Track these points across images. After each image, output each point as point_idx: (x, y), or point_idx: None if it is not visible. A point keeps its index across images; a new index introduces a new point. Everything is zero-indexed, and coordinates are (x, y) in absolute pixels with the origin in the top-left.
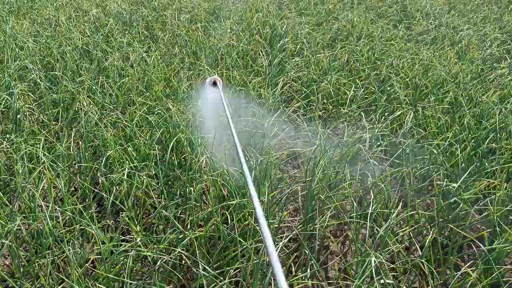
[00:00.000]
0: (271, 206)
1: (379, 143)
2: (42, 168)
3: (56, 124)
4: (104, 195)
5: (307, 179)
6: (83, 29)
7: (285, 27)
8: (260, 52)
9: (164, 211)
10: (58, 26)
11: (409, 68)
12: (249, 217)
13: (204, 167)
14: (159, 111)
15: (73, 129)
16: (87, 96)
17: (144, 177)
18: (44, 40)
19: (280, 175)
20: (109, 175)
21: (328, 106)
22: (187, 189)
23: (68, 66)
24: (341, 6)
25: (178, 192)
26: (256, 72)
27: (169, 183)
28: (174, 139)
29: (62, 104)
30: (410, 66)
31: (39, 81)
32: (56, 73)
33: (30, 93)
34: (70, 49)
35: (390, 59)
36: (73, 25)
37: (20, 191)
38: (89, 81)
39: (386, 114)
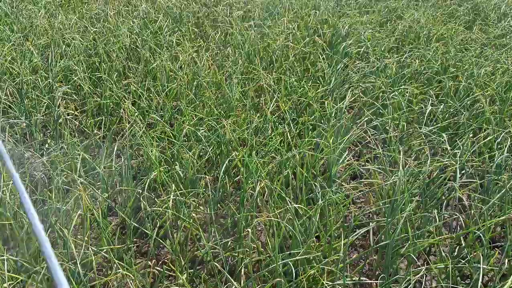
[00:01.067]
0: (344, 256)
1: (463, 171)
2: (78, 191)
3: (98, 133)
4: (147, 232)
5: (387, 224)
6: (131, 25)
7: (346, 27)
8: (320, 56)
9: (215, 263)
10: (107, 21)
11: (492, 79)
12: (319, 273)
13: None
14: (210, 122)
15: (116, 142)
16: (132, 103)
17: (193, 212)
18: (91, 36)
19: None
20: (151, 208)
21: (401, 123)
22: (241, 226)
23: (114, 67)
24: (405, 4)
25: (229, 222)
26: (316, 79)
27: (220, 209)
28: (227, 160)
29: (105, 111)
30: (492, 76)
31: (82, 83)
32: (100, 74)
33: (74, 95)
34: (116, 48)
35: (468, 67)
36: (121, 21)
37: (52, 221)
38: (134, 85)
39: (471, 135)
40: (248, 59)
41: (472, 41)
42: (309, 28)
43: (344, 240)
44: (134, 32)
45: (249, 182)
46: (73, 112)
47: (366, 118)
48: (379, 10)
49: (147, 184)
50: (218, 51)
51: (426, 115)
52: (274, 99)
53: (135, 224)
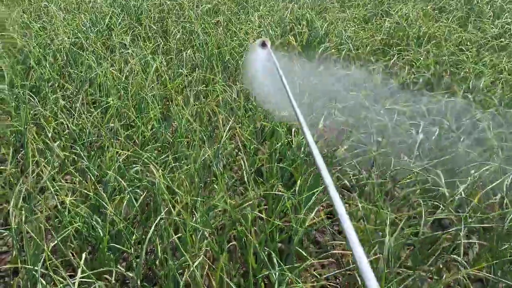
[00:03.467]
0: None
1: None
2: None
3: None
4: None
5: None
6: (78, 22)
7: (326, 25)
8: (294, 60)
9: None
10: (54, 17)
11: (492, 90)
12: None
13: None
14: (146, 159)
15: (18, 186)
16: (61, 123)
17: None
18: (33, 34)
19: None
20: None
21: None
22: None
23: (46, 76)
24: None
25: None
26: None
27: None
28: (158, 219)
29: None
30: (491, 87)
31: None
32: (23, 83)
33: None
34: (51, 51)
35: (464, 75)
36: (70, 17)
37: None
38: (62, 101)
39: (473, 171)
40: (209, 65)
41: (468, 41)
42: (285, 24)
43: None
44: (82, 30)
45: (185, 256)
46: None
47: (344, 154)
48: (364, 3)
49: (42, 260)
50: (173, 56)
51: (417, 144)
52: (229, 124)
53: None
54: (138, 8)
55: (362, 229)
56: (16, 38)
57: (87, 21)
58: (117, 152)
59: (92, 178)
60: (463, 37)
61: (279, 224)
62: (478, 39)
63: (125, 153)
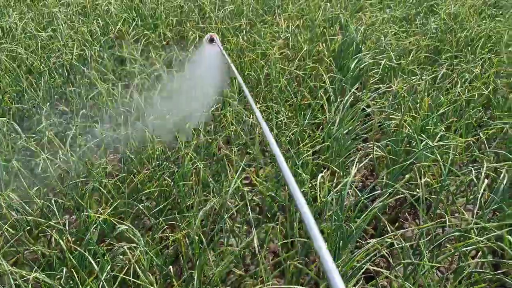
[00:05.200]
0: None
1: None
2: None
3: None
4: None
5: None
6: (86, 30)
7: (362, 28)
8: (323, 75)
9: None
10: (60, 25)
11: None
12: None
13: None
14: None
15: None
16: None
17: None
18: (39, 45)
19: None
20: None
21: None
22: None
23: (38, 100)
24: None
25: None
26: (316, 114)
27: None
28: None
29: None
30: None
31: None
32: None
33: None
34: (46, 66)
35: None
36: (77, 24)
37: None
38: (50, 133)
39: None
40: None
41: None
42: (315, 29)
43: None
44: (89, 40)
45: None
46: None
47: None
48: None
49: None
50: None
51: (480, 193)
52: (240, 168)
53: None
54: (155, 12)
55: None
56: (21, 51)
57: (97, 28)
58: (101, 207)
59: (63, 245)
60: None
61: None
62: None
63: (108, 209)
